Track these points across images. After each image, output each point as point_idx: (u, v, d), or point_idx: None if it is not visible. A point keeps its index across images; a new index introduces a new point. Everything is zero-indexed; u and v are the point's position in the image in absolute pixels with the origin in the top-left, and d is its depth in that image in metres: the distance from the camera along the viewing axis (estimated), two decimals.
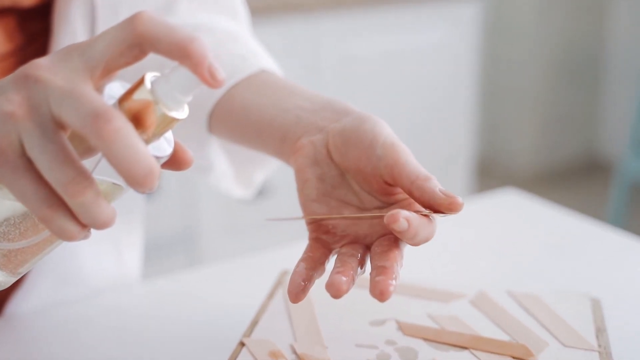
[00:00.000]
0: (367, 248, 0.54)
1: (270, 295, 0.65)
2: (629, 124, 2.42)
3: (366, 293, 0.66)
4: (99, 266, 0.78)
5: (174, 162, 0.45)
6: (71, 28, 0.68)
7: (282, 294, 0.65)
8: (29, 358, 0.64)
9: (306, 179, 0.56)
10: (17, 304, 0.71)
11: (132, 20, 0.41)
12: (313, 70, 2.08)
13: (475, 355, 0.57)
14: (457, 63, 2.35)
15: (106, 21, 0.69)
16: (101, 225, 0.40)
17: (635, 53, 2.93)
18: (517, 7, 3.05)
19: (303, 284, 0.51)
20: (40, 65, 0.40)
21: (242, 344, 0.58)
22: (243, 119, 0.63)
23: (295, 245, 0.82)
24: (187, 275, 0.80)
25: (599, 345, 0.58)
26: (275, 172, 0.78)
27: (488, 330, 0.60)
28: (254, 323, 0.61)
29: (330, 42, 2.12)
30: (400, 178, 0.52)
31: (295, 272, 0.52)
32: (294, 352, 0.57)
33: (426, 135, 2.34)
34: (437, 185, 0.51)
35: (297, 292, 0.51)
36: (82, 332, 0.68)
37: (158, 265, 1.88)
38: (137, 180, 0.39)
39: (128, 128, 0.38)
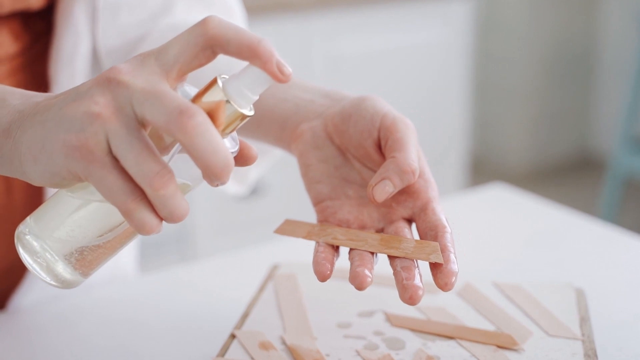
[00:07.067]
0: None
1: (261, 289, 0.66)
2: (620, 120, 2.43)
3: None
4: None
5: (241, 158, 0.47)
6: (74, 27, 0.69)
7: (272, 287, 0.67)
8: (30, 348, 0.66)
9: (309, 164, 0.58)
10: (19, 298, 0.73)
11: (203, 25, 0.43)
12: (304, 69, 2.09)
13: (462, 345, 0.58)
14: (449, 61, 2.36)
15: (107, 21, 0.70)
16: (177, 218, 0.42)
17: (626, 50, 2.94)
18: (509, 5, 3.06)
19: (329, 265, 0.52)
20: (120, 70, 0.43)
21: (233, 336, 0.59)
22: None
23: (286, 240, 0.83)
24: (180, 269, 0.81)
25: (582, 334, 0.59)
26: (268, 171, 0.79)
27: (474, 320, 0.61)
28: (245, 315, 0.62)
29: (321, 41, 2.12)
30: (386, 152, 0.56)
31: (317, 256, 0.53)
32: (284, 343, 0.58)
33: (418, 133, 2.34)
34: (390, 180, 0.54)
35: (326, 275, 0.52)
36: (78, 323, 0.69)
37: (152, 264, 1.88)
38: (215, 173, 0.42)
39: (208, 123, 0.41)
